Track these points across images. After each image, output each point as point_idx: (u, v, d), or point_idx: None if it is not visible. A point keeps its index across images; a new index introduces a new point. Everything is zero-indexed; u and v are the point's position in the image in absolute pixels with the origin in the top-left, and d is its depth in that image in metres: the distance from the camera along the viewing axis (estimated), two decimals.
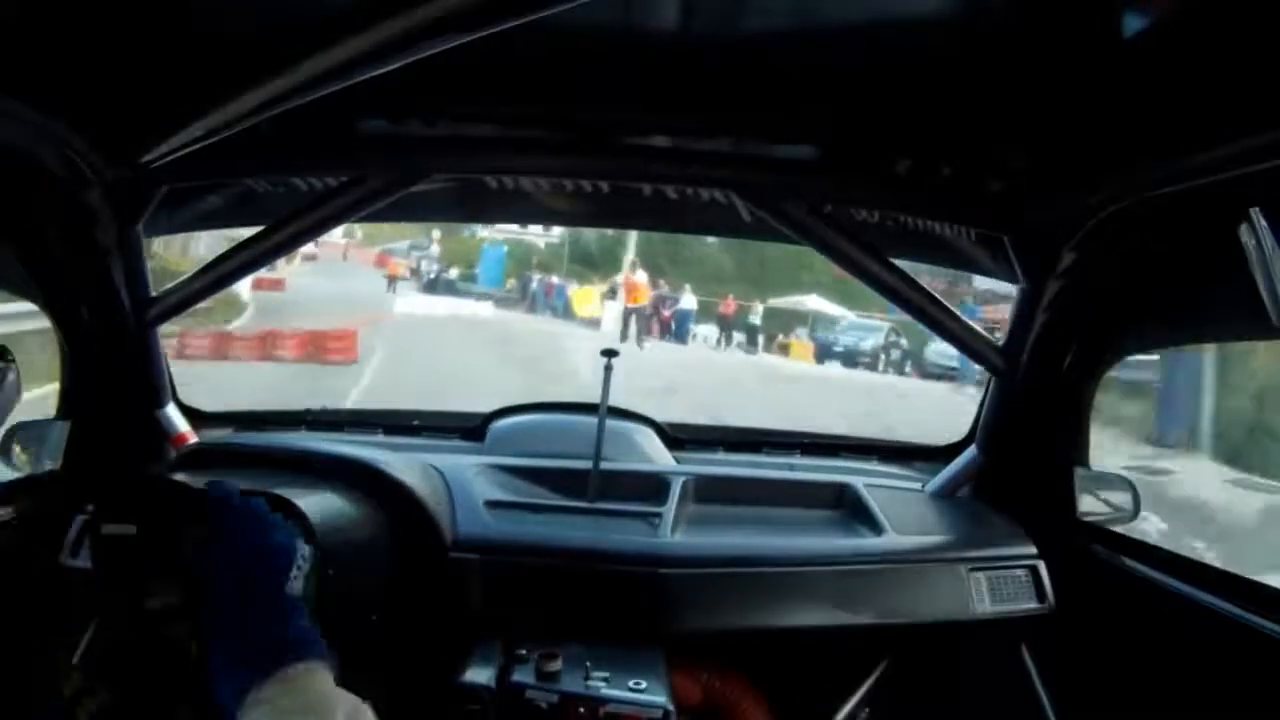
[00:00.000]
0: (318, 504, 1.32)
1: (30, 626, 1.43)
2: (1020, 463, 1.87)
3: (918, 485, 1.99)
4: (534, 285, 25.12)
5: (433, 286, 25.93)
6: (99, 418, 1.70)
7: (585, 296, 23.31)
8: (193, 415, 1.97)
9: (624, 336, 17.70)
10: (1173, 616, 1.54)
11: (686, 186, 1.74)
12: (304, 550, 0.99)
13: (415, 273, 27.86)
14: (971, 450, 1.93)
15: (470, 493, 1.70)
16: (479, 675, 1.44)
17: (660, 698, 1.41)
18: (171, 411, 1.88)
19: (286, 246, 1.77)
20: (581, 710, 1.39)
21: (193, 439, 1.88)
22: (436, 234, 27.66)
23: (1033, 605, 1.71)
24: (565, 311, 22.76)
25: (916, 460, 2.16)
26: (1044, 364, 1.75)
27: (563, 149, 1.63)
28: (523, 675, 1.43)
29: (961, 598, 1.66)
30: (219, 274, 1.75)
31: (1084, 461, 1.83)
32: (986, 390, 1.91)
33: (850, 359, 19.00)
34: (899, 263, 1.77)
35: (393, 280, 25.47)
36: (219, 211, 1.87)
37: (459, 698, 1.42)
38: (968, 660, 1.84)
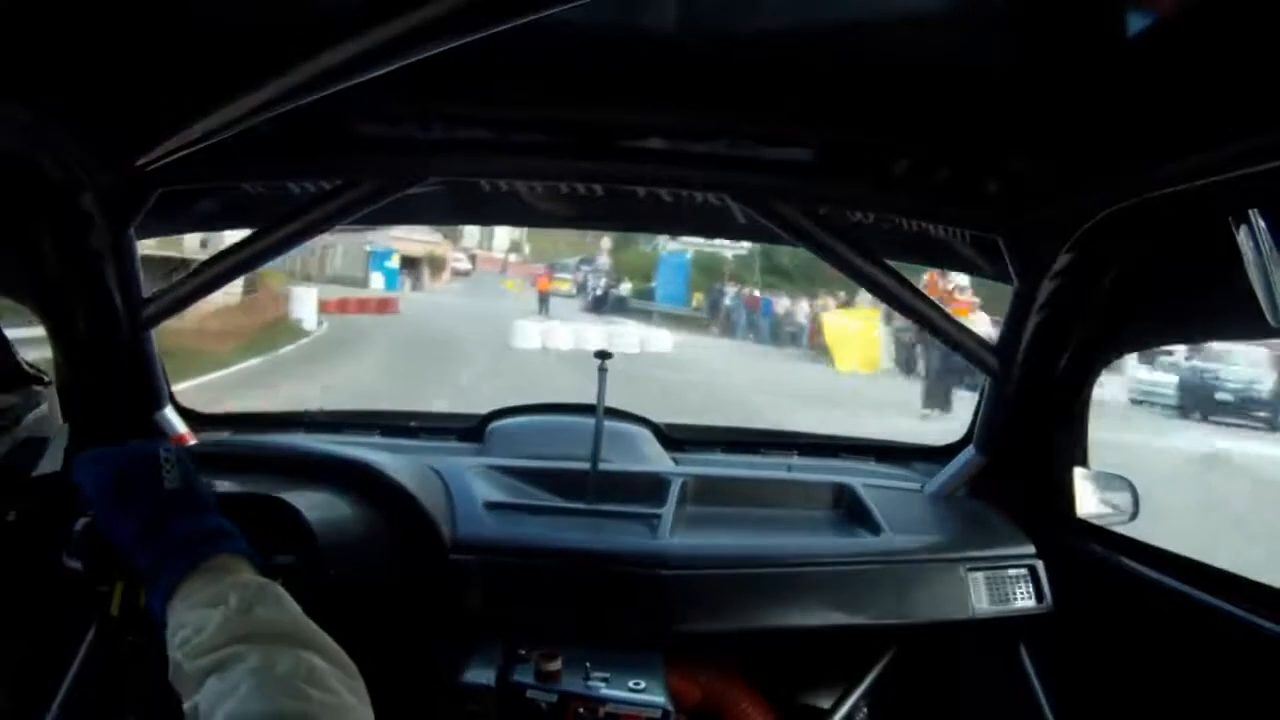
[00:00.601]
0: (316, 506, 1.32)
1: (31, 627, 1.42)
2: (1018, 463, 1.88)
3: (916, 485, 1.99)
4: (727, 300, 19.88)
5: (600, 304, 22.23)
6: (97, 421, 1.70)
7: (856, 337, 14.09)
8: (190, 417, 1.97)
9: (930, 401, 11.09)
10: (1172, 616, 1.54)
11: (681, 189, 1.74)
12: (164, 446, 0.99)
13: (582, 289, 24.37)
14: (969, 450, 1.93)
15: (469, 494, 1.70)
16: (479, 675, 1.44)
17: (659, 698, 1.41)
18: (169, 413, 1.88)
19: (280, 249, 1.76)
20: (581, 710, 1.40)
21: (191, 441, 1.88)
22: (607, 244, 24.67)
23: (1031, 605, 1.71)
24: (777, 335, 17.34)
25: (915, 460, 2.16)
26: (1040, 364, 1.76)
27: (558, 151, 1.63)
28: (523, 675, 1.43)
29: (960, 597, 1.67)
30: (212, 275, 1.75)
31: (1082, 461, 1.84)
32: (983, 391, 1.91)
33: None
34: (892, 264, 1.77)
35: (544, 298, 21.56)
36: (213, 214, 1.87)
37: (459, 698, 1.42)
38: (966, 660, 1.84)
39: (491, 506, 1.70)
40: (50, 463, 1.67)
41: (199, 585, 0.88)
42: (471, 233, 30.79)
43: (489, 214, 2.07)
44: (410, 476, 1.59)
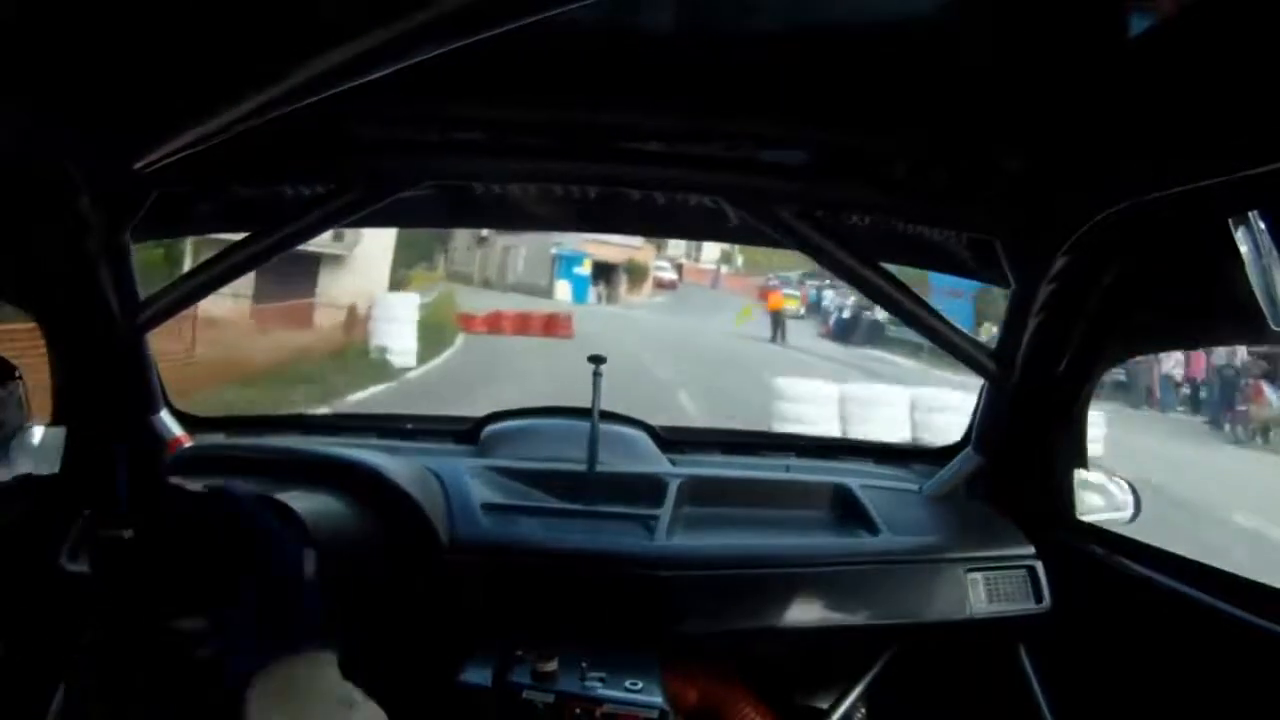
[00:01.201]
0: (313, 506, 1.32)
1: (28, 630, 1.42)
2: (1017, 464, 1.88)
3: (914, 486, 1.99)
4: None
5: (847, 330, 16.80)
6: (93, 423, 1.70)
7: None
8: (186, 420, 1.96)
9: None
10: (1170, 617, 1.54)
11: (676, 192, 1.74)
12: (310, 553, 1.00)
13: (815, 309, 19.36)
14: (968, 451, 1.93)
15: (466, 495, 1.70)
16: (476, 676, 1.44)
17: (657, 698, 1.41)
18: (165, 416, 1.87)
19: (274, 251, 1.75)
20: (578, 710, 1.40)
21: (187, 443, 1.87)
22: None
23: (1029, 605, 1.71)
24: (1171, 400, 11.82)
25: (913, 462, 2.16)
26: (1038, 366, 1.75)
27: (552, 154, 1.63)
28: (519, 676, 1.43)
29: (958, 598, 1.67)
30: (206, 278, 1.75)
31: (1081, 462, 1.84)
32: (981, 392, 1.91)
33: None
34: (888, 266, 1.77)
35: (779, 320, 16.26)
36: (208, 217, 1.87)
37: (456, 698, 1.42)
38: (964, 660, 1.84)
39: (488, 507, 1.70)
40: (47, 465, 1.67)
41: (287, 677, 0.86)
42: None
43: (483, 217, 2.07)
44: (407, 477, 1.58)
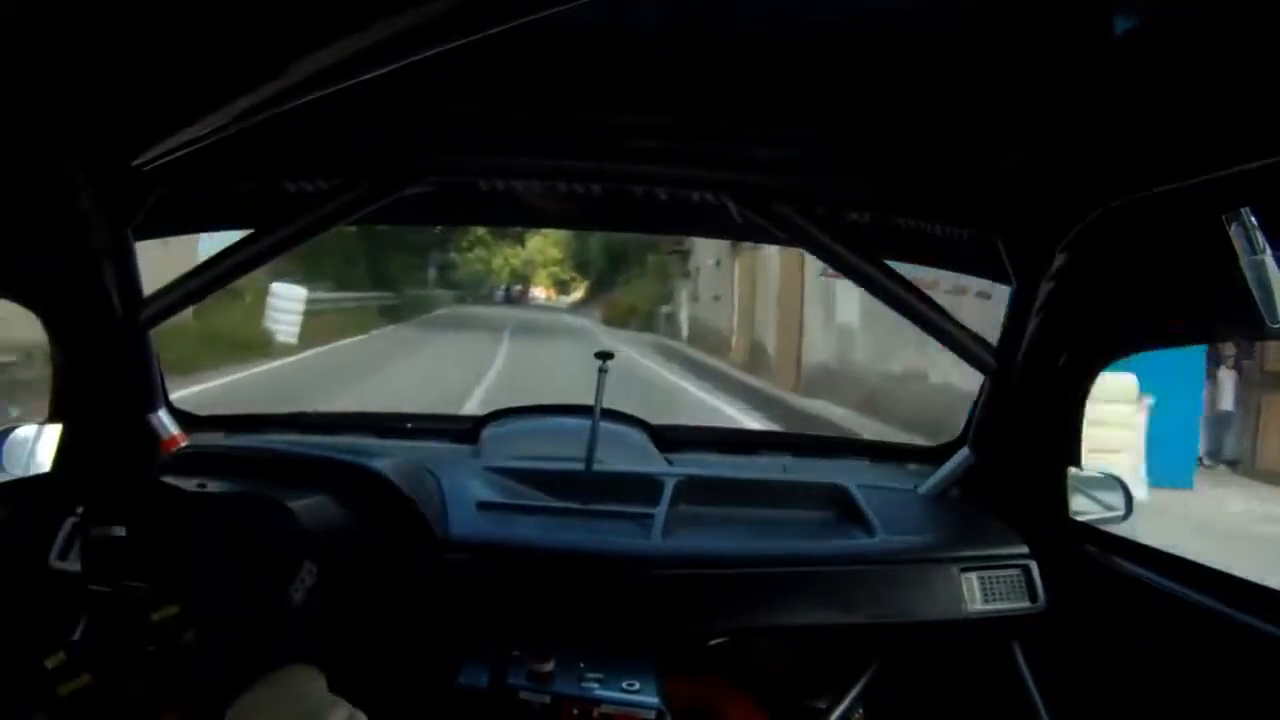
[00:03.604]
0: (310, 506, 1.32)
1: (18, 628, 1.42)
2: (1012, 462, 1.88)
3: (910, 486, 1.99)
4: None
5: None
6: (90, 421, 1.70)
7: None
8: (184, 418, 1.96)
9: None
10: (1164, 616, 1.54)
11: (679, 189, 1.75)
12: (309, 565, 1.01)
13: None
14: (964, 450, 1.93)
15: (463, 494, 1.70)
16: (473, 677, 1.44)
17: (653, 698, 1.42)
18: (163, 415, 1.87)
19: (278, 249, 1.76)
20: (575, 711, 1.40)
21: (185, 442, 1.87)
22: None
23: (1024, 604, 1.71)
24: None
25: (910, 461, 2.16)
26: (1036, 364, 1.76)
27: (555, 151, 1.63)
28: (516, 677, 1.44)
29: (953, 597, 1.67)
30: (211, 276, 1.75)
31: (1076, 461, 1.84)
32: (981, 390, 1.92)
33: None
34: (891, 264, 1.78)
35: None
36: (211, 215, 1.87)
37: (453, 699, 1.42)
38: (960, 659, 1.84)
39: (485, 507, 1.70)
40: (41, 463, 1.68)
41: (274, 693, 0.88)
42: None
43: (487, 214, 2.07)
44: (404, 477, 1.59)
